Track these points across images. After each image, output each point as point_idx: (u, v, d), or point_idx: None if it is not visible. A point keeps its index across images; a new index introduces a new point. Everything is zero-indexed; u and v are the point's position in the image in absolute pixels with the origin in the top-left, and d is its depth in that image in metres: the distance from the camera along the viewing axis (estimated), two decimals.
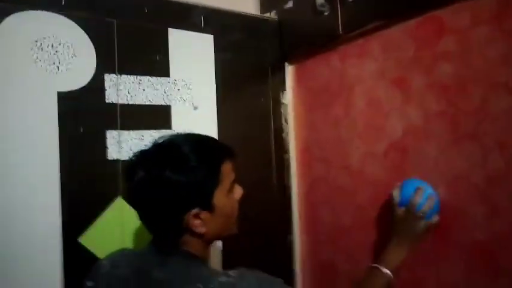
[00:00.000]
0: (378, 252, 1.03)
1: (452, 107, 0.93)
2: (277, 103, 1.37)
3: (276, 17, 1.38)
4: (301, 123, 1.38)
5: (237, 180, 0.85)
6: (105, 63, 1.03)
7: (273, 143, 1.36)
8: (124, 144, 1.05)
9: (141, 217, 0.80)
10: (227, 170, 0.81)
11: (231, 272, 0.73)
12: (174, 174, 0.74)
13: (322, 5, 1.19)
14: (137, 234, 1.07)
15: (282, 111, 1.38)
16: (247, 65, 1.32)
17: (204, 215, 0.77)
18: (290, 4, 1.33)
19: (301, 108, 1.38)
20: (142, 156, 0.79)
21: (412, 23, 1.01)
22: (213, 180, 0.78)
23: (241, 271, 0.74)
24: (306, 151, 1.37)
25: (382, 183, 1.10)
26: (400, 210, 0.93)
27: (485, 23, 0.87)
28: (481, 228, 0.89)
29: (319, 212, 1.32)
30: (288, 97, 1.39)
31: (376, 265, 0.92)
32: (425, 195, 0.90)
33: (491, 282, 0.87)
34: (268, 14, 1.40)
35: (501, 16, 0.84)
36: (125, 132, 1.06)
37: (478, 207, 0.89)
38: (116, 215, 1.04)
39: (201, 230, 0.76)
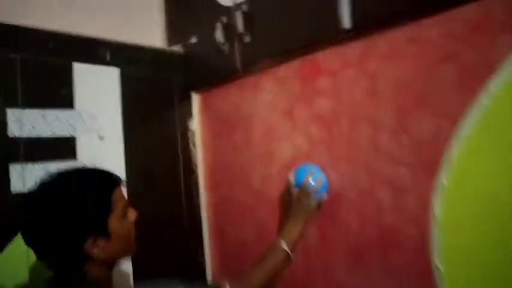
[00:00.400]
0: None
1: (329, 135, 1.11)
2: (185, 129, 1.47)
3: (181, 50, 1.48)
4: (208, 148, 1.49)
5: (129, 204, 0.91)
6: (8, 98, 1.04)
7: (182, 166, 1.45)
8: (28, 177, 1.06)
9: (40, 256, 0.82)
10: (118, 196, 0.86)
11: None
12: (65, 208, 0.78)
13: (222, 43, 1.32)
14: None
15: (190, 137, 1.48)
16: (155, 95, 1.40)
17: (101, 242, 0.81)
18: (194, 39, 1.44)
19: (207, 134, 1.49)
20: (30, 196, 0.81)
21: (296, 63, 1.19)
22: (106, 208, 0.83)
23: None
24: (212, 173, 1.48)
25: (276, 199, 1.24)
26: (295, 191, 1.08)
27: (351, 66, 1.06)
28: (355, 233, 1.07)
29: (226, 228, 1.43)
30: (195, 124, 1.49)
31: (276, 242, 1.01)
32: (315, 177, 1.06)
33: (362, 276, 1.05)
34: (174, 48, 1.49)
35: (364, 61, 1.04)
36: (29, 165, 1.07)
37: (348, 215, 1.07)
38: (22, 247, 1.04)
39: (101, 256, 0.81)
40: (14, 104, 1.06)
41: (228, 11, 1.32)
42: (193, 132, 1.49)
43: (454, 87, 0.87)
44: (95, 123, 1.22)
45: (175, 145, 1.44)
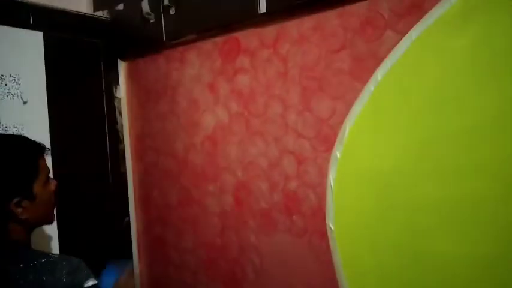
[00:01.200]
0: (200, 224, 1.28)
1: (246, 110, 1.22)
2: (112, 97, 1.49)
3: (108, 16, 1.48)
4: (135, 116, 1.53)
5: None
6: None
7: (107, 134, 1.48)
8: None
9: None
10: (42, 163, 0.93)
11: (53, 254, 0.87)
12: None
13: (148, 13, 1.35)
14: None
15: (116, 105, 1.51)
16: (80, 61, 1.41)
17: (25, 203, 0.88)
18: (121, 6, 1.45)
19: (134, 102, 1.53)
20: None
21: (219, 40, 1.26)
22: (32, 172, 0.90)
23: (63, 255, 0.89)
24: (139, 141, 1.53)
25: (199, 167, 1.34)
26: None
27: (267, 47, 1.16)
28: (265, 199, 1.20)
29: (151, 194, 1.51)
30: (122, 92, 1.53)
31: None
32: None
33: (271, 236, 1.20)
34: (100, 13, 1.49)
35: (277, 44, 1.14)
36: None
37: (263, 184, 1.20)
38: None
39: (23, 215, 0.88)
40: None
41: None
42: (119, 100, 1.52)
43: (348, 74, 1.01)
44: (18, 87, 1.22)
45: (101, 112, 1.47)
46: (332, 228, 1.07)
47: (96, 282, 0.88)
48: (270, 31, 1.14)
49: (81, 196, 1.39)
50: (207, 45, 1.29)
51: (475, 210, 0.86)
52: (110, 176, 1.48)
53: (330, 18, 1.02)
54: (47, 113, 1.30)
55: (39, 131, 1.27)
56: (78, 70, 1.40)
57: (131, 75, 1.53)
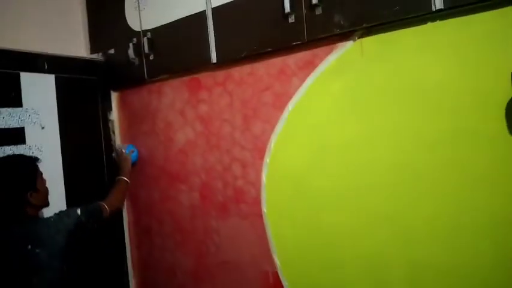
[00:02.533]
0: (176, 215, 1.74)
1: (207, 130, 1.68)
2: (106, 120, 1.94)
3: (102, 58, 1.94)
4: (124, 134, 1.98)
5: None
6: None
7: (104, 148, 1.93)
8: None
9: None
10: (38, 169, 1.46)
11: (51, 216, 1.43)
12: (18, 176, 1.40)
13: (133, 58, 1.81)
14: None
15: (110, 125, 1.96)
16: (82, 94, 1.85)
17: (34, 194, 1.41)
18: (112, 51, 1.91)
19: (123, 124, 1.98)
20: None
21: (186, 78, 1.72)
22: (36, 174, 1.44)
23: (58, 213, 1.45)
24: None
25: (175, 172, 1.80)
26: (116, 155, 1.89)
27: (219, 86, 1.63)
28: (221, 194, 1.66)
29: (139, 193, 1.96)
30: (114, 115, 1.98)
31: (118, 178, 1.81)
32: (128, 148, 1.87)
33: (226, 220, 1.66)
34: (95, 55, 1.94)
35: (225, 83, 1.61)
36: None
37: (219, 183, 1.66)
38: None
39: (34, 201, 1.40)
40: None
41: (137, 34, 1.80)
42: (112, 122, 1.97)
43: (272, 105, 1.48)
44: (38, 117, 1.66)
45: (99, 132, 1.91)
46: (265, 211, 1.54)
47: (80, 208, 1.49)
48: (220, 74, 1.61)
49: (85, 195, 1.83)
50: (177, 82, 1.75)
51: (348, 196, 1.33)
52: (107, 179, 1.92)
53: (259, 67, 1.50)
54: (59, 135, 1.75)
55: (53, 148, 1.72)
56: (80, 101, 1.85)
57: (121, 103, 1.98)
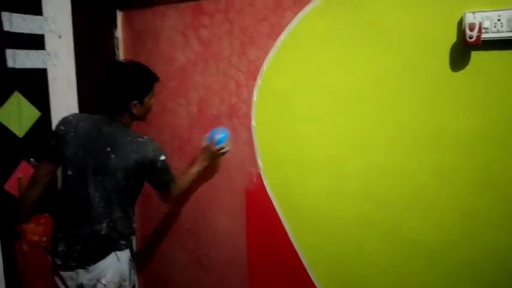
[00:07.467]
0: (174, 126, 2.03)
1: (206, 52, 1.93)
2: (112, 36, 2.14)
3: None
4: (128, 51, 2.19)
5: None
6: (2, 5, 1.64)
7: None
8: (17, 58, 1.70)
9: (108, 97, 1.54)
10: (155, 88, 1.64)
11: (144, 136, 1.59)
12: (131, 81, 1.56)
13: None
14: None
15: (115, 42, 2.16)
16: (93, 11, 2.03)
17: (138, 105, 1.57)
18: None
19: (128, 40, 2.18)
20: (117, 67, 1.62)
21: (191, 3, 1.93)
22: (148, 89, 1.60)
23: (150, 138, 1.61)
24: None
25: (173, 87, 2.06)
26: (206, 143, 1.89)
27: (220, 13, 1.85)
28: (217, 109, 1.96)
29: None
30: (119, 33, 2.17)
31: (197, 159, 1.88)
32: (220, 136, 1.88)
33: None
34: None
35: (227, 10, 1.83)
36: (18, 51, 1.71)
37: (215, 99, 1.95)
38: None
39: (135, 111, 1.57)
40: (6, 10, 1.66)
41: None
42: (117, 39, 2.17)
43: (266, 34, 1.74)
44: (56, 27, 1.85)
45: (105, 47, 2.12)
46: (254, 124, 1.86)
47: (165, 157, 1.59)
48: (223, 3, 1.84)
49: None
50: (182, 6, 1.96)
51: (320, 112, 1.67)
52: None
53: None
54: (72, 44, 1.95)
55: (67, 55, 1.93)
56: (91, 17, 2.03)
57: (126, 22, 2.17)
